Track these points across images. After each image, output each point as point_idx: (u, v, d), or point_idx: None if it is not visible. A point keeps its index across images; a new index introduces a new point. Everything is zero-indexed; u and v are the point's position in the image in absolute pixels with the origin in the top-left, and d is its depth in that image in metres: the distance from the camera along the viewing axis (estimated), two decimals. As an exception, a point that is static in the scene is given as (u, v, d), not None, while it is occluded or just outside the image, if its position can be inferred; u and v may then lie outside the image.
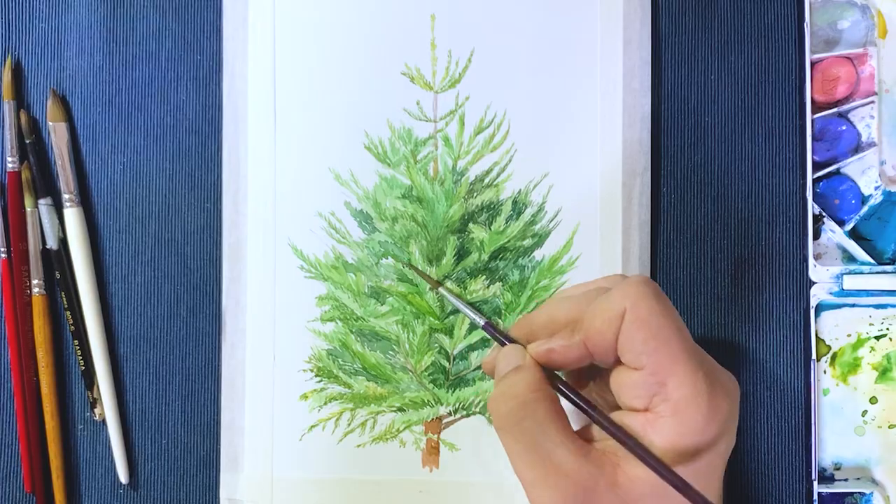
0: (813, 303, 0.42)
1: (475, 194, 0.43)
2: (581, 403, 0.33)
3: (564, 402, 0.34)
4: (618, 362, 0.33)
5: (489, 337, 0.40)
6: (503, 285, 0.43)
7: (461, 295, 0.42)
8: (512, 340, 0.36)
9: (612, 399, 0.34)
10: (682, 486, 0.31)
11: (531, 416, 0.32)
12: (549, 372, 0.34)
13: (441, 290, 0.41)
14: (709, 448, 0.32)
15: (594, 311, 0.32)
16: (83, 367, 0.43)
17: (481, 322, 0.38)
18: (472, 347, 0.43)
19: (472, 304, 0.41)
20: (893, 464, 0.43)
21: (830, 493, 0.43)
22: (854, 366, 0.43)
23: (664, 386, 0.31)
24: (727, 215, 0.43)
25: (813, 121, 0.42)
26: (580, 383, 0.37)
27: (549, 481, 0.32)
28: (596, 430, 0.34)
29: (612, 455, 0.32)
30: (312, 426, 0.43)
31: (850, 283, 0.42)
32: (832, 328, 0.43)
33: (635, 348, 0.32)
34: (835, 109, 0.43)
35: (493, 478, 0.42)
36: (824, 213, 0.42)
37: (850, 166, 0.43)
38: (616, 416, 0.33)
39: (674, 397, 0.31)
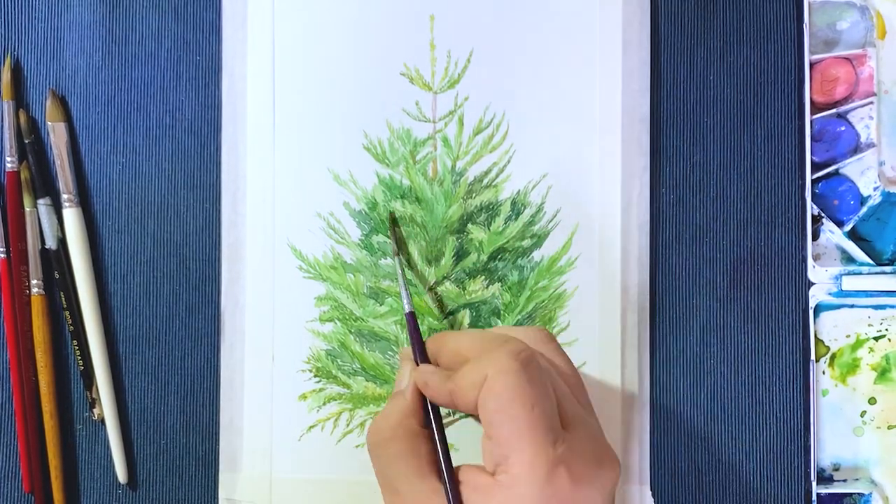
0: (812, 303, 0.42)
1: (474, 195, 0.43)
2: (439, 446, 0.34)
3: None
4: None
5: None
6: (502, 286, 0.43)
7: (459, 295, 0.42)
8: (421, 344, 0.37)
9: None
10: None
11: (386, 452, 0.34)
12: (426, 404, 0.35)
13: (396, 259, 0.41)
14: None
15: (466, 370, 0.33)
16: (82, 367, 0.43)
17: (407, 309, 0.38)
18: (470, 348, 0.43)
19: (408, 289, 0.41)
20: (892, 464, 0.43)
21: (829, 494, 0.43)
22: (853, 366, 0.43)
23: (507, 459, 0.31)
24: (726, 216, 0.43)
25: (812, 121, 0.42)
26: None
27: None
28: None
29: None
30: (311, 426, 0.43)
31: (849, 283, 0.42)
32: (831, 329, 0.43)
33: (486, 417, 0.32)
34: (834, 110, 0.43)
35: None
36: (823, 214, 0.42)
37: (849, 167, 0.43)
38: (469, 471, 0.33)
39: (512, 472, 0.31)
